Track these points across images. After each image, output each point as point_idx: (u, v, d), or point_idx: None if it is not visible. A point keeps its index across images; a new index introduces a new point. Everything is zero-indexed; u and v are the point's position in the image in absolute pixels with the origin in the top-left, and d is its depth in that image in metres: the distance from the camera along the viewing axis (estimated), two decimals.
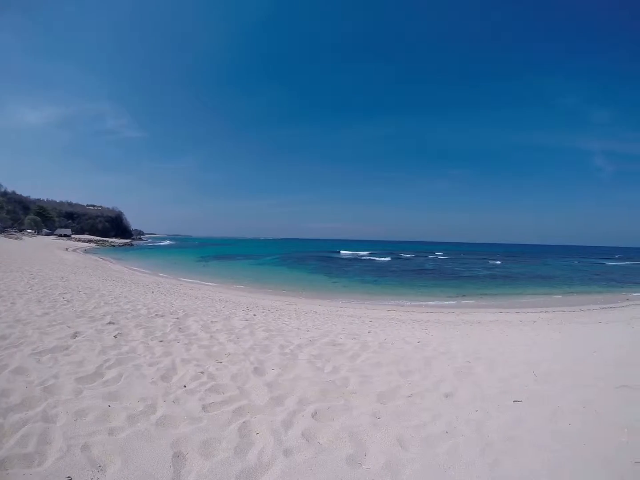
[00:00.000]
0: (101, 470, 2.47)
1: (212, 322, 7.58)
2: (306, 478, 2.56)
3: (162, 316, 7.62)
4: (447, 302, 18.56)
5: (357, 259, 55.43)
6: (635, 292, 24.40)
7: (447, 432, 3.25)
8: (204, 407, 3.42)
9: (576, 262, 63.30)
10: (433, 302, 18.41)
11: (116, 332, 5.85)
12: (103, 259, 40.37)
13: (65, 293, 9.90)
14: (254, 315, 9.84)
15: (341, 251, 74.63)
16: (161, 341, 5.59)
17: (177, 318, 7.57)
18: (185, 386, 3.88)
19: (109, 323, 6.49)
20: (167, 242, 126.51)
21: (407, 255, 67.36)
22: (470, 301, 19.34)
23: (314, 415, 3.43)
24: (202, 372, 4.32)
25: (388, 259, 56.45)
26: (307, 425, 3.24)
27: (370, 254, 68.43)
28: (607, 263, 62.68)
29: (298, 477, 2.55)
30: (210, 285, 21.45)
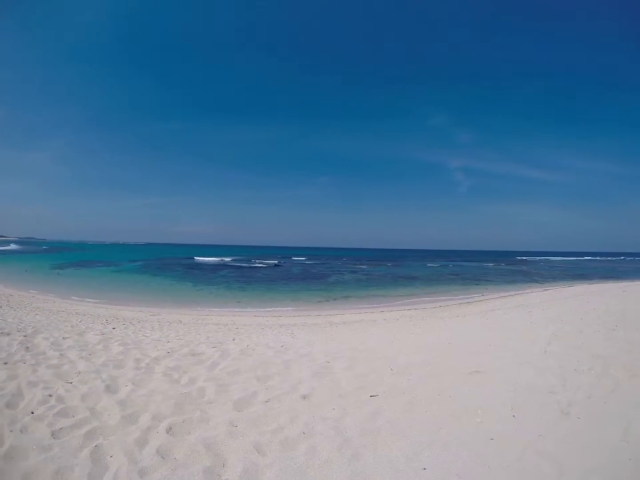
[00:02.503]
0: None
1: (63, 338, 7.06)
2: None
3: (7, 334, 6.90)
4: (314, 305, 18.95)
5: (224, 265, 53.68)
6: (489, 288, 27.37)
7: (304, 433, 3.40)
8: (53, 434, 3.27)
9: (438, 264, 67.74)
10: (301, 306, 18.67)
11: None
12: None
13: None
14: (113, 328, 9.35)
15: (208, 257, 71.57)
16: (6, 363, 5.11)
17: (25, 336, 6.92)
18: (32, 412, 3.66)
19: None
20: (12, 247, 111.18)
21: (274, 260, 66.64)
22: (337, 303, 19.92)
23: (168, 430, 3.41)
24: (50, 395, 4.08)
25: (255, 264, 55.64)
26: (162, 441, 3.23)
27: (237, 260, 66.92)
28: (465, 264, 68.81)
29: None
30: (67, 297, 19.34)
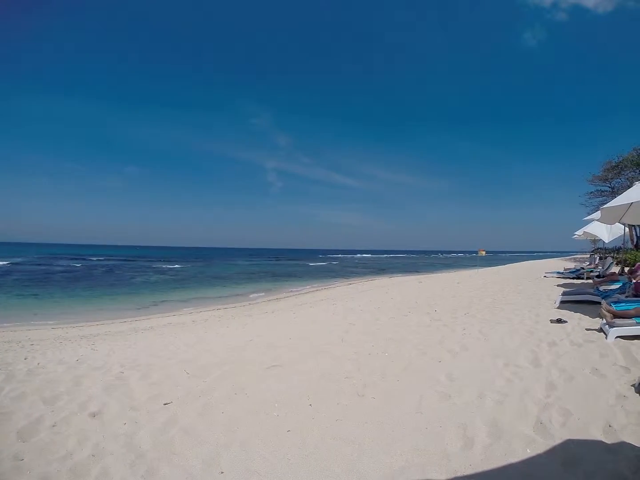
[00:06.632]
0: None
1: None
2: None
3: None
4: (120, 311, 17.39)
5: (12, 269, 43.51)
6: (299, 284, 28.96)
7: (94, 456, 3.17)
8: None
9: (249, 262, 68.88)
10: (105, 313, 16.98)
11: None
12: None
13: None
14: None
15: None
16: None
17: None
18: None
19: None
20: None
21: (69, 261, 59.71)
22: (146, 307, 18.85)
23: None
24: None
25: (49, 266, 48.68)
26: None
27: (27, 262, 56.72)
28: (276, 262, 71.42)
29: None
30: None
